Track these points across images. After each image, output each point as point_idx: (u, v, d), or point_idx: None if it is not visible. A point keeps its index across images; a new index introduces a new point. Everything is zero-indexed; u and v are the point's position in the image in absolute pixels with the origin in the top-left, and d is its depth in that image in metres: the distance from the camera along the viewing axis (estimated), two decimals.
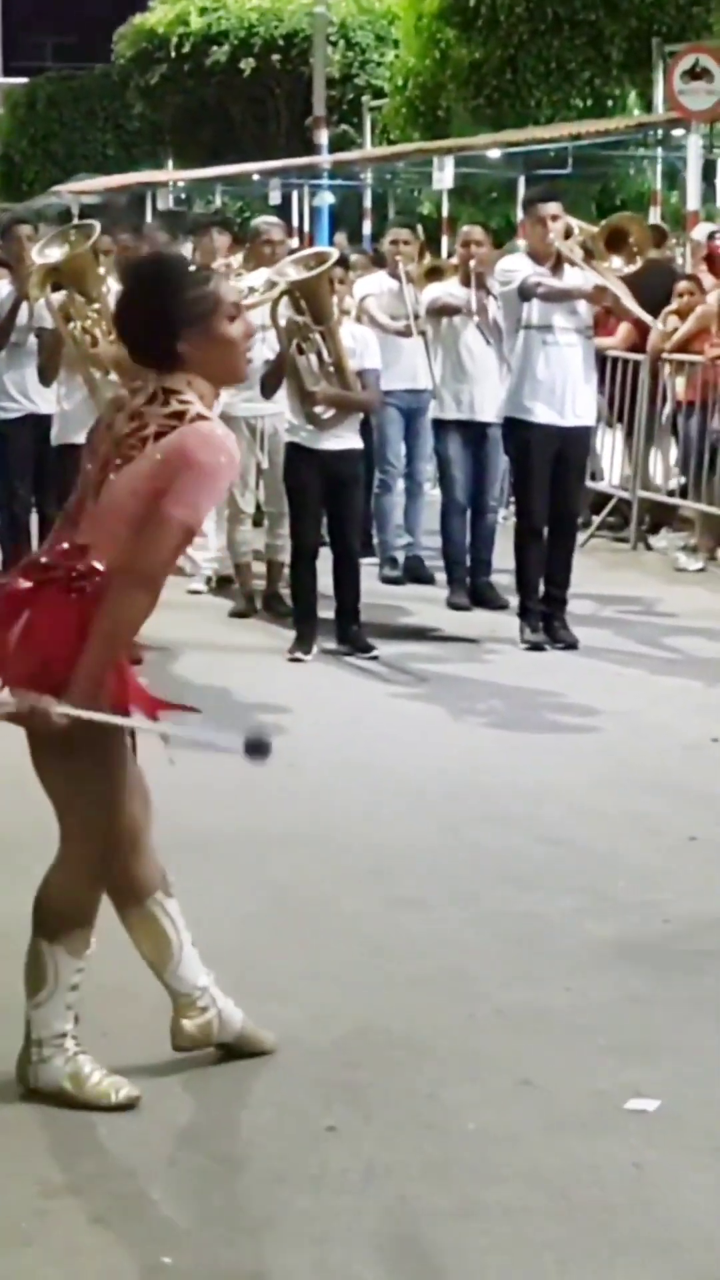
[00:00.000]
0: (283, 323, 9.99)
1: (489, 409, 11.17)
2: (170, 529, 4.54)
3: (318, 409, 10.02)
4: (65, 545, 4.63)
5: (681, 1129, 4.70)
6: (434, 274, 12.49)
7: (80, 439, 5.10)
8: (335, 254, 10.80)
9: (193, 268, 4.99)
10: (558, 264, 10.24)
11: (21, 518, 11.06)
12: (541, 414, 10.28)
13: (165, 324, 4.63)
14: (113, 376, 9.80)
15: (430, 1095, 4.87)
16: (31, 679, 4.54)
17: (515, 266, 10.43)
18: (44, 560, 4.66)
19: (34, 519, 11.24)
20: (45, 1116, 4.70)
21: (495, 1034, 5.28)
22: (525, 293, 10.22)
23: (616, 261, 10.37)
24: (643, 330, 13.05)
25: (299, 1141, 4.60)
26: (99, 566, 4.55)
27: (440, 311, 11.48)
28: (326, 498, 10.19)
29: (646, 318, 11.61)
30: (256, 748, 4.52)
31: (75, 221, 11.43)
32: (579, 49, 25.89)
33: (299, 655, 10.04)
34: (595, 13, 25.63)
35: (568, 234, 10.40)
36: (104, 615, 4.51)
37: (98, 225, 10.06)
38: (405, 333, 12.08)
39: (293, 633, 10.25)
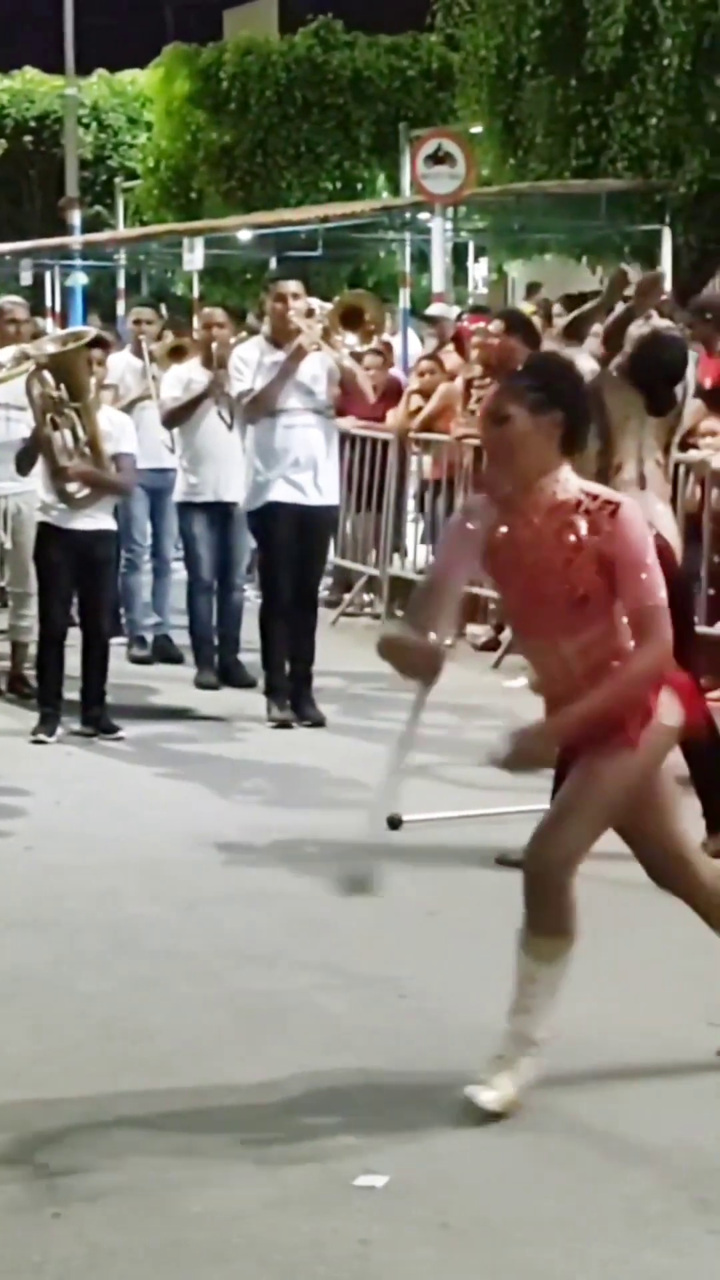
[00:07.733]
0: (36, 398, 9.98)
1: (233, 489, 11.13)
2: None
3: (70, 486, 9.96)
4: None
5: (409, 1204, 4.69)
6: (177, 353, 12.49)
7: None
8: (91, 332, 10.83)
9: None
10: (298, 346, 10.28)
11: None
12: (283, 493, 10.32)
13: None
14: None
15: (159, 1178, 4.83)
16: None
17: (246, 357, 10.47)
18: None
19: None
20: None
21: (226, 1113, 5.25)
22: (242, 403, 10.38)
23: (351, 339, 10.55)
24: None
25: (22, 1229, 4.53)
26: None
27: (183, 411, 11.47)
28: (78, 579, 10.13)
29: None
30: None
31: None
32: (328, 133, 26.28)
33: (42, 737, 9.94)
34: (343, 97, 26.03)
35: (310, 313, 10.49)
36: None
37: None
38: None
39: (37, 715, 10.16)
